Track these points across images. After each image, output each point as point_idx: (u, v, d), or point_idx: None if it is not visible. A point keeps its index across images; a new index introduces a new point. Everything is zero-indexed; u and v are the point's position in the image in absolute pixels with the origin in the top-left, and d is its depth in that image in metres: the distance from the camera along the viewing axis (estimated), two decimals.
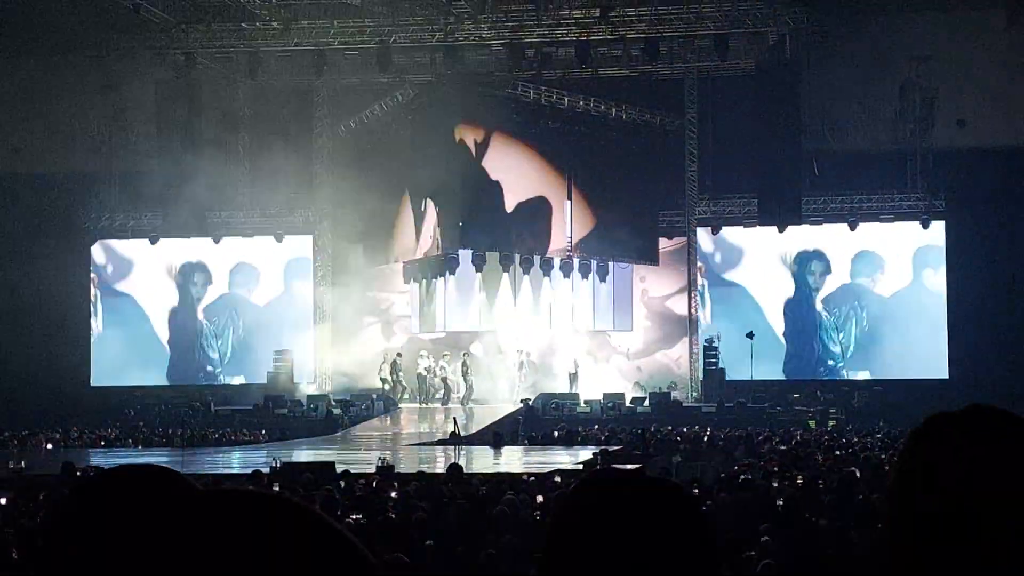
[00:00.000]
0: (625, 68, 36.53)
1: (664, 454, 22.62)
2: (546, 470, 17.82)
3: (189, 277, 39.10)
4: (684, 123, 37.73)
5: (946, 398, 31.89)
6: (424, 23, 35.04)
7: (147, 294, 39.13)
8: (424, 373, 35.95)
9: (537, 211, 36.04)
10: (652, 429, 27.56)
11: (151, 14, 34.61)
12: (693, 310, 37.42)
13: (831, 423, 32.11)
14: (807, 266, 37.01)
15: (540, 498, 12.70)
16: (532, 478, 15.95)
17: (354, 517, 11.01)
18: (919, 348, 35.75)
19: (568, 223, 36.78)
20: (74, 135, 38.48)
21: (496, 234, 35.23)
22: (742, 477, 15.33)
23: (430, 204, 36.22)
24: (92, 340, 39.04)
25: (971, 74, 35.66)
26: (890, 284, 36.39)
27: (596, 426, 30.42)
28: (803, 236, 36.71)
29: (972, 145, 35.30)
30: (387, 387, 36.07)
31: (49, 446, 27.58)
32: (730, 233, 37.59)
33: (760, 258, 37.23)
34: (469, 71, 36.25)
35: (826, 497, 12.58)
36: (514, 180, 36.14)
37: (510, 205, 35.76)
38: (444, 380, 35.78)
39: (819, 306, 36.89)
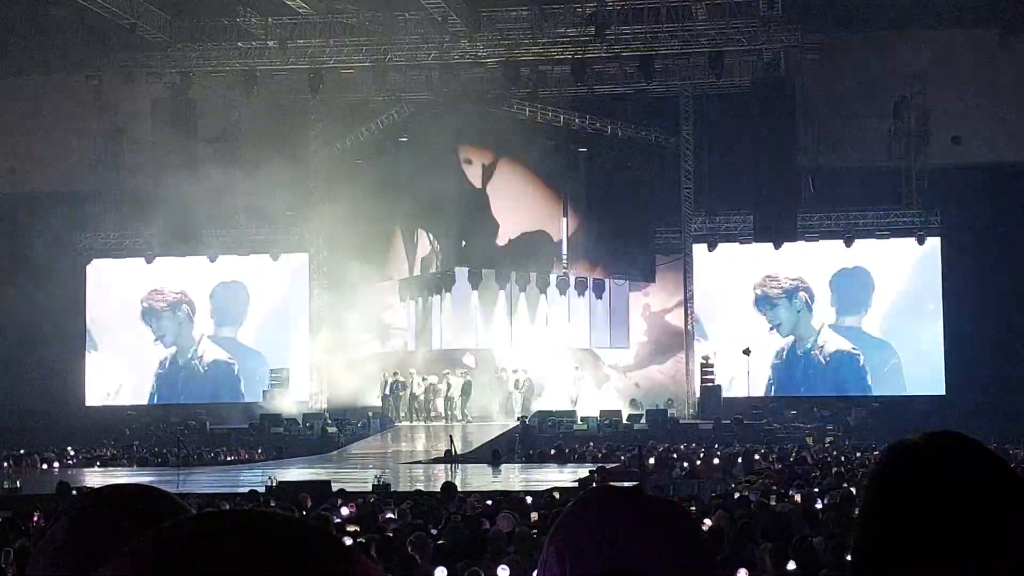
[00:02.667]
0: (620, 86, 36.58)
1: (661, 471, 22.58)
2: (543, 488, 17.77)
3: (177, 307, 38.91)
4: (679, 140, 37.78)
5: (943, 415, 31.90)
6: (419, 42, 35.09)
7: (131, 338, 38.83)
8: (420, 391, 35.90)
9: (537, 243, 36.21)
10: (649, 446, 27.51)
11: (147, 33, 34.66)
12: (690, 326, 37.38)
13: (828, 440, 32.05)
14: (791, 301, 36.64)
15: (535, 516, 12.66)
16: (528, 496, 15.89)
17: (350, 533, 10.96)
18: (915, 365, 35.72)
19: (564, 241, 36.83)
20: (70, 154, 38.49)
21: (493, 254, 35.26)
22: (739, 494, 15.30)
23: (422, 233, 36.33)
24: (87, 359, 38.93)
25: (965, 91, 35.75)
26: (882, 308, 36.16)
27: (592, 443, 30.35)
28: (790, 266, 36.53)
29: (967, 162, 35.37)
30: (384, 405, 36.00)
31: (44, 466, 27.49)
32: (715, 259, 37.34)
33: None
34: (465, 89, 36.30)
35: (824, 514, 12.55)
36: (511, 200, 36.14)
37: (506, 228, 35.76)
38: (443, 398, 35.72)
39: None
